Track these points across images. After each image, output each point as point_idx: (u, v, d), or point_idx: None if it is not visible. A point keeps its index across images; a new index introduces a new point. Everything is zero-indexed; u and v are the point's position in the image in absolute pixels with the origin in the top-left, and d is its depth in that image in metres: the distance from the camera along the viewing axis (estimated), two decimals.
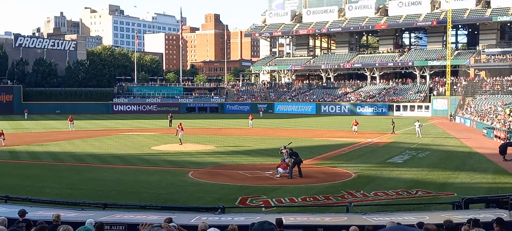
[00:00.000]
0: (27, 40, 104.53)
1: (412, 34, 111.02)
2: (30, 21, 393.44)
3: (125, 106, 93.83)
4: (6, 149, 35.75)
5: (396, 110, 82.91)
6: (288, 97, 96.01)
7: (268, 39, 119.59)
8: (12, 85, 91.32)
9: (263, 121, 67.49)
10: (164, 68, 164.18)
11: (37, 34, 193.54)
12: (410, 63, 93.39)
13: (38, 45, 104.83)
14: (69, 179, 24.01)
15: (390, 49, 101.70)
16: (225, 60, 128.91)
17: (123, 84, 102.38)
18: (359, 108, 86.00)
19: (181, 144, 37.78)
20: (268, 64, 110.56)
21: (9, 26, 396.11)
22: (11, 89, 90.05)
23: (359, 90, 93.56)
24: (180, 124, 41.31)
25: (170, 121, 58.04)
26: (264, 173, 25.06)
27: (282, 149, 25.63)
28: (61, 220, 10.91)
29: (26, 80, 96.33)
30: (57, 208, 14.45)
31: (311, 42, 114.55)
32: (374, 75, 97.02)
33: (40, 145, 38.61)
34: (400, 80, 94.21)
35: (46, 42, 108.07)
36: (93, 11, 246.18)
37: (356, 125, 47.86)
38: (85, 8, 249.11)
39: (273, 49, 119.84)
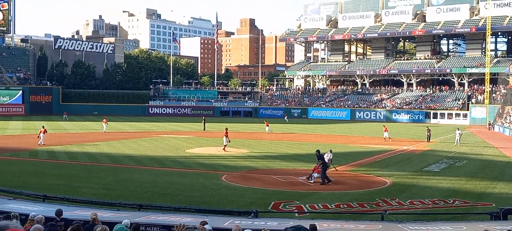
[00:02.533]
0: (66, 42, 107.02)
1: (450, 41, 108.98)
2: (69, 24, 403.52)
3: (160, 109, 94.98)
4: (44, 149, 36.62)
5: (433, 118, 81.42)
6: (322, 102, 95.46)
7: (303, 44, 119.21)
8: (52, 87, 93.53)
9: (296, 126, 67.26)
10: (199, 71, 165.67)
11: (76, 36, 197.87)
12: (448, 70, 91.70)
13: (77, 47, 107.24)
14: (106, 179, 24.43)
15: (428, 55, 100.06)
16: (260, 64, 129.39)
17: (159, 87, 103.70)
18: (395, 115, 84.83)
19: (224, 150, 36.40)
20: (302, 69, 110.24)
21: (49, 28, 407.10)
22: (51, 91, 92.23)
23: (395, 96, 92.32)
24: (226, 129, 38.06)
25: (204, 124, 58.37)
26: (297, 179, 24.94)
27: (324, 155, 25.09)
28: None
29: (65, 82, 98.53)
30: (94, 208, 14.71)
31: (346, 48, 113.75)
32: (410, 81, 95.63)
33: (77, 145, 39.42)
34: (437, 87, 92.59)
35: (85, 44, 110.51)
36: (131, 15, 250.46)
37: (386, 131, 47.16)
38: (123, 11, 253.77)
39: (308, 54, 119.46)
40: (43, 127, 41.21)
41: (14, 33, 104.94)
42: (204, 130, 56.71)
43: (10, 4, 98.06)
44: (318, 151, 24.75)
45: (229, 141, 37.23)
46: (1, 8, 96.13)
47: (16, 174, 25.34)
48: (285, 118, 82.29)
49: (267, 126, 56.21)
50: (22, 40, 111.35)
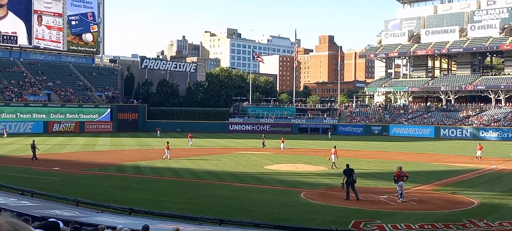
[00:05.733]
0: (152, 62, 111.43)
1: None
2: (155, 45, 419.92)
3: (240, 125, 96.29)
4: (131, 164, 38.17)
5: None
6: (404, 119, 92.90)
7: (384, 60, 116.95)
8: (138, 105, 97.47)
9: (377, 144, 65.83)
10: (277, 89, 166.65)
11: (161, 56, 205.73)
12: None
13: (162, 67, 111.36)
14: (188, 194, 25.09)
15: None
16: (339, 81, 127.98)
17: (239, 104, 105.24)
18: (482, 133, 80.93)
19: (335, 166, 35.67)
20: (383, 85, 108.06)
21: (136, 49, 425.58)
22: (137, 108, 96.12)
23: (482, 113, 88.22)
24: (335, 148, 38.31)
25: (263, 142, 58.02)
26: (378, 197, 24.40)
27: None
28: None
29: (150, 100, 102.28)
30: (177, 222, 15.16)
31: (429, 63, 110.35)
32: (499, 98, 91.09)
33: (162, 161, 40.76)
34: None
35: (169, 64, 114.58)
36: (213, 34, 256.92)
37: (480, 150, 45.06)
38: (205, 32, 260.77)
39: (389, 71, 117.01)
40: (167, 142, 43.18)
41: (103, 54, 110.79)
42: (264, 146, 56.44)
43: (100, 27, 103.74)
44: (347, 164, 24.70)
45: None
46: (91, 31, 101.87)
47: (104, 188, 26.59)
48: (329, 134, 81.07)
49: (283, 142, 54.71)
50: (111, 61, 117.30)
